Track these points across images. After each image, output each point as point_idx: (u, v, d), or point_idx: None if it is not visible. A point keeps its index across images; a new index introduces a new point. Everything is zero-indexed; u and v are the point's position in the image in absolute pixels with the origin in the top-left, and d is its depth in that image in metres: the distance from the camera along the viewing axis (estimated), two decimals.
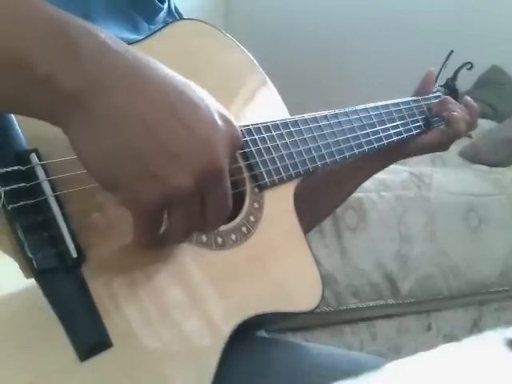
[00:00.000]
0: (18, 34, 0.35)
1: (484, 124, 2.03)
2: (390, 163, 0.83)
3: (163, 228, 0.44)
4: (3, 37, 0.35)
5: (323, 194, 0.82)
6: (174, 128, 0.39)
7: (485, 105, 2.18)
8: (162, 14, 0.74)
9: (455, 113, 0.80)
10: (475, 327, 1.41)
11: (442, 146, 0.82)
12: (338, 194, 0.85)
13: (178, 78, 0.41)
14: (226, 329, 0.51)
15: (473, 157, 1.89)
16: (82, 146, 0.38)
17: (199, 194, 0.41)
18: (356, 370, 0.26)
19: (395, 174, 1.35)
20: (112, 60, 0.38)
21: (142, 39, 0.57)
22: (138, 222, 0.42)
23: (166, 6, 0.75)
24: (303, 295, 0.61)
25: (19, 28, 0.35)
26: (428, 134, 0.82)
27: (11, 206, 0.40)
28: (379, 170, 0.83)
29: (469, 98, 0.86)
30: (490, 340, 0.28)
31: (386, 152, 0.80)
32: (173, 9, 0.78)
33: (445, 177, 1.45)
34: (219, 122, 0.41)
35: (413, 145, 0.81)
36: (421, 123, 0.82)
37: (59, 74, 0.36)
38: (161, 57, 0.57)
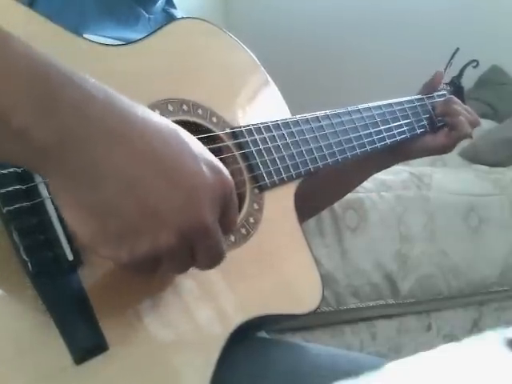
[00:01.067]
0: None
1: (484, 124, 2.02)
2: (392, 164, 0.83)
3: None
4: None
5: (322, 194, 0.82)
6: (156, 182, 0.37)
7: (485, 105, 2.18)
8: (160, 3, 0.74)
9: (461, 117, 0.79)
10: (475, 327, 1.41)
11: (446, 149, 0.82)
12: (337, 193, 0.86)
13: (165, 125, 0.39)
14: (226, 330, 0.51)
15: (473, 157, 1.89)
16: (60, 200, 0.37)
17: (186, 246, 0.40)
18: (356, 370, 0.26)
19: (395, 174, 1.35)
20: (94, 111, 0.36)
21: (144, 37, 0.57)
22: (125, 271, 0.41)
23: None
24: (303, 297, 0.60)
25: None
26: (433, 137, 0.81)
27: (6, 208, 0.40)
28: (380, 170, 0.83)
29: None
30: (490, 340, 0.28)
31: (388, 153, 0.79)
32: None
33: (445, 177, 1.45)
34: (206, 171, 0.39)
35: (416, 148, 0.81)
36: (425, 122, 0.81)
37: (33, 128, 0.34)
38: (163, 55, 0.57)
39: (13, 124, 0.33)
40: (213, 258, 0.42)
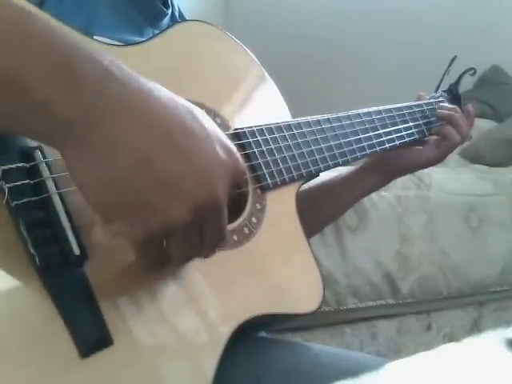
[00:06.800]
0: (19, 57, 0.34)
1: (484, 124, 2.03)
2: (381, 185, 0.83)
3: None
4: (3, 58, 0.34)
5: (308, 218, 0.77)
6: (172, 159, 0.38)
7: (485, 105, 2.17)
8: (166, 20, 0.75)
9: (447, 126, 0.80)
10: (475, 327, 1.41)
11: (437, 161, 0.82)
12: (324, 216, 0.85)
13: (181, 104, 0.40)
14: (227, 329, 0.51)
15: (473, 157, 1.89)
16: (78, 174, 0.38)
17: (197, 224, 0.41)
18: (356, 370, 0.26)
19: None
20: (114, 88, 0.37)
21: (147, 40, 0.57)
22: (134, 250, 0.42)
23: (170, 10, 0.75)
24: (304, 297, 0.61)
25: (21, 51, 0.35)
26: (420, 150, 0.81)
27: (15, 202, 0.41)
28: (368, 193, 0.83)
29: (470, 108, 0.85)
30: (490, 340, 0.28)
31: (376, 172, 0.80)
32: (176, 14, 0.78)
33: (445, 177, 1.45)
34: (220, 152, 0.41)
35: (404, 163, 0.81)
36: (423, 128, 0.82)
37: (56, 102, 0.35)
38: (166, 57, 0.58)
39: (36, 96, 0.35)
40: (216, 241, 0.44)
